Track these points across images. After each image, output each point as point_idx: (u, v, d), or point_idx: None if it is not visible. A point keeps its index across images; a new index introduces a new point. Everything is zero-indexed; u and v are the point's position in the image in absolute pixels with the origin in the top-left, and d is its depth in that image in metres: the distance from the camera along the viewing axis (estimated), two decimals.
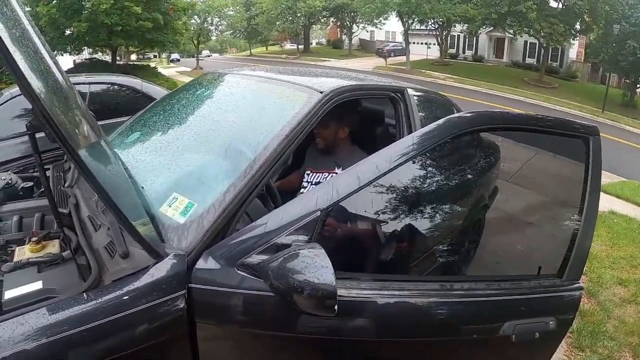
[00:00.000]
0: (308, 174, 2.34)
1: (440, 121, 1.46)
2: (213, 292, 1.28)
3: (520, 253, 1.89)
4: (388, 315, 1.43)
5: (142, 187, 1.57)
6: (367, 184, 1.35)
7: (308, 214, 1.31)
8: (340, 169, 2.25)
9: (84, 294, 1.18)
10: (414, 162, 1.46)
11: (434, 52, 36.25)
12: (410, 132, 2.12)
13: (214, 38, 48.22)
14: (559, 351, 3.08)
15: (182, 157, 1.77)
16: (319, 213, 1.31)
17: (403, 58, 32.62)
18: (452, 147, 1.55)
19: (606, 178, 9.83)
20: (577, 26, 29.51)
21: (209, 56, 52.91)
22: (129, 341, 1.17)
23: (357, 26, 38.75)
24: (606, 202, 7.29)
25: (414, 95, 2.28)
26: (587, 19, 28.30)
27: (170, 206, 1.46)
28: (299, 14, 34.38)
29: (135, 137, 2.11)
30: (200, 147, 1.83)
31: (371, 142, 2.58)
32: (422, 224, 1.64)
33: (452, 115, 1.52)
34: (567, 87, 29.93)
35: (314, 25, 42.74)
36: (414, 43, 34.59)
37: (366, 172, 1.37)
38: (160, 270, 1.25)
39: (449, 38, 36.31)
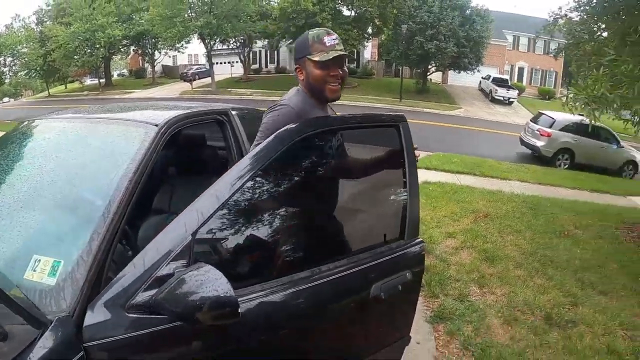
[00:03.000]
0: None
1: (279, 132, 1.64)
2: (110, 344, 1.26)
3: (369, 228, 2.13)
4: (279, 311, 1.57)
5: None
6: (225, 201, 1.46)
7: (181, 241, 1.36)
8: None
9: None
10: (261, 175, 1.58)
11: (238, 70, 37.13)
12: (239, 148, 2.33)
13: (7, 81, 41.60)
14: (419, 302, 3.59)
15: (28, 216, 1.65)
16: (190, 238, 1.37)
17: (208, 79, 32.44)
18: (289, 155, 1.67)
19: None
20: (369, 30, 32.50)
21: (7, 102, 46.37)
22: None
23: (159, 52, 37.12)
24: (419, 175, 8.40)
25: (237, 115, 2.48)
26: (377, 23, 31.13)
27: (34, 270, 1.38)
28: (98, 45, 31.54)
29: None
30: (45, 203, 1.72)
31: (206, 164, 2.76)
32: (285, 225, 1.76)
33: (282, 129, 1.67)
34: (366, 84, 32.78)
35: (114, 56, 39.59)
36: (217, 63, 34.69)
37: (223, 191, 1.47)
38: (50, 339, 1.19)
39: (251, 54, 37.30)
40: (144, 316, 1.29)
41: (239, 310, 1.24)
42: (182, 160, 2.96)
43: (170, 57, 40.13)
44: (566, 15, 6.63)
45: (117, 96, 29.29)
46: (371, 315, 1.93)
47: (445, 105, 28.77)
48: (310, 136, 1.73)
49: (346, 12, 31.11)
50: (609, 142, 14.29)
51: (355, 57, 38.15)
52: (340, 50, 1.84)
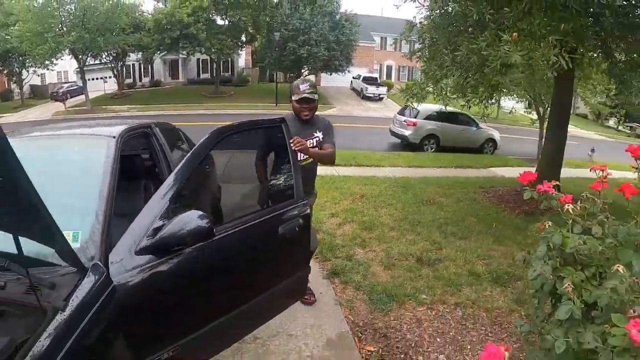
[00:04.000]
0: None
1: (203, 138, 2.32)
2: (129, 278, 1.84)
3: (275, 193, 3.12)
4: (226, 244, 2.31)
5: None
6: (184, 180, 2.18)
7: (165, 205, 2.06)
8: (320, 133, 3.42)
9: (60, 312, 1.51)
10: (198, 168, 2.31)
11: (112, 85, 35.39)
12: (163, 153, 3.01)
13: None
14: (315, 266, 4.52)
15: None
16: (168, 203, 2.08)
17: (82, 97, 30.60)
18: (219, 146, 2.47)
19: None
20: (243, 38, 33.07)
21: None
22: (103, 329, 1.66)
23: (27, 71, 33.46)
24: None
25: (158, 127, 3.15)
26: (251, 31, 31.84)
27: None
28: None
29: None
30: (53, 198, 2.13)
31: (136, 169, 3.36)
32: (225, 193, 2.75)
33: (203, 138, 2.29)
34: (242, 92, 33.32)
35: None
36: (90, 79, 32.47)
37: (182, 173, 2.18)
38: (91, 277, 1.69)
39: (124, 68, 35.83)
40: (147, 256, 1.92)
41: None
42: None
43: (38, 75, 36.45)
44: (420, 23, 7.90)
45: None
46: (283, 248, 2.79)
47: (320, 106, 29.48)
48: (222, 140, 2.47)
49: (220, 22, 31.34)
50: (469, 125, 16.62)
51: (230, 65, 38.76)
52: (308, 93, 3.25)
